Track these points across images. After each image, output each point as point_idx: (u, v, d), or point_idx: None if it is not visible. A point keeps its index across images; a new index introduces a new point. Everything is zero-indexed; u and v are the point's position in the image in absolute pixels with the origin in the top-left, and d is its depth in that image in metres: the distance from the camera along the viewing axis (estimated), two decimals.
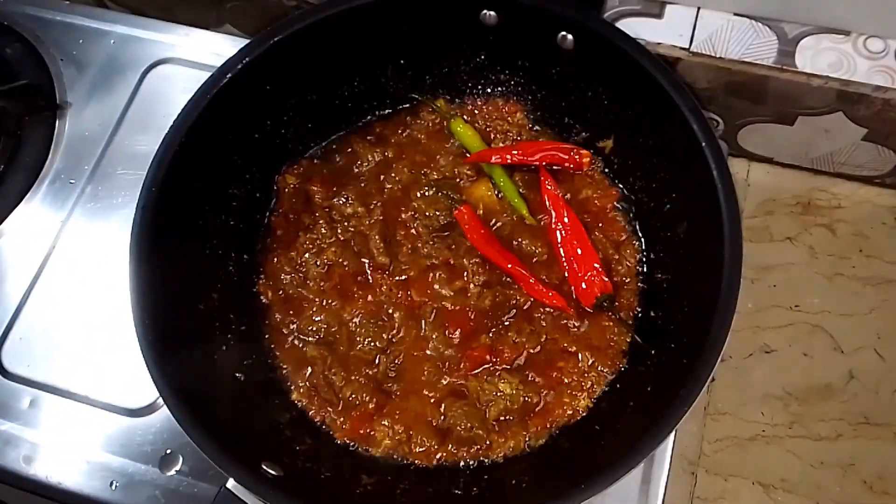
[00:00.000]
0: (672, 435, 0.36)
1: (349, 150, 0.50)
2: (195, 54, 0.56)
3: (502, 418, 0.43)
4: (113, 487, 0.45)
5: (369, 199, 0.49)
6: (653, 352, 0.43)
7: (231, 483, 0.38)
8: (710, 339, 0.36)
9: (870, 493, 0.45)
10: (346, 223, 0.48)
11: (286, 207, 0.49)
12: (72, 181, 0.54)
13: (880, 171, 0.52)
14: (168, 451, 0.45)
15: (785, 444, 0.47)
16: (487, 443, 0.42)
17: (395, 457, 0.43)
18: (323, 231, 0.48)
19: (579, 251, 0.45)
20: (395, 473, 0.42)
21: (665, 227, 0.45)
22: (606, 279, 0.44)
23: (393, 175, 0.49)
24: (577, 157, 0.47)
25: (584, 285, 0.44)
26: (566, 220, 0.45)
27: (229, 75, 0.43)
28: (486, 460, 0.42)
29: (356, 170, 0.50)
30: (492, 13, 0.45)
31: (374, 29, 0.46)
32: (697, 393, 0.36)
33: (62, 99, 0.56)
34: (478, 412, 0.43)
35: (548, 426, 0.43)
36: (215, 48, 0.55)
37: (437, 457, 0.42)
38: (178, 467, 0.45)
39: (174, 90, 0.54)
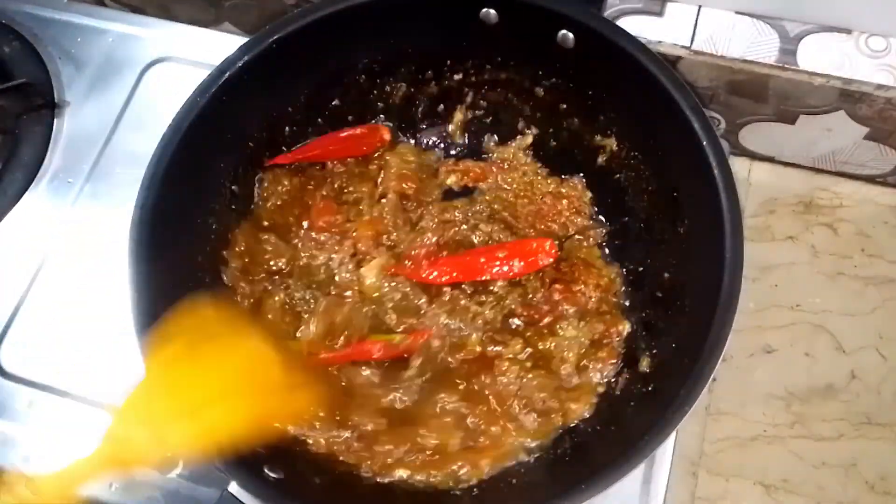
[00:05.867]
0: (673, 435, 0.36)
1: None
2: (194, 53, 0.56)
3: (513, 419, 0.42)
4: (112, 489, 0.44)
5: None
6: (654, 351, 0.42)
7: (233, 487, 0.37)
8: (711, 338, 0.36)
9: (872, 494, 0.45)
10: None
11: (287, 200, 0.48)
12: (70, 180, 0.53)
13: (882, 170, 0.51)
14: (168, 453, 0.45)
15: (786, 445, 0.47)
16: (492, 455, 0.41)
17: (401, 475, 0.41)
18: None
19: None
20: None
21: (666, 226, 0.45)
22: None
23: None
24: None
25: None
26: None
27: (228, 73, 0.43)
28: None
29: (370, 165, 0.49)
30: (492, 11, 0.45)
31: (373, 27, 0.46)
32: (699, 393, 0.35)
33: (60, 98, 0.55)
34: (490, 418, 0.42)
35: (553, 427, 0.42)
36: (214, 46, 0.55)
37: (442, 475, 0.41)
38: (178, 470, 0.44)
39: (173, 89, 0.54)
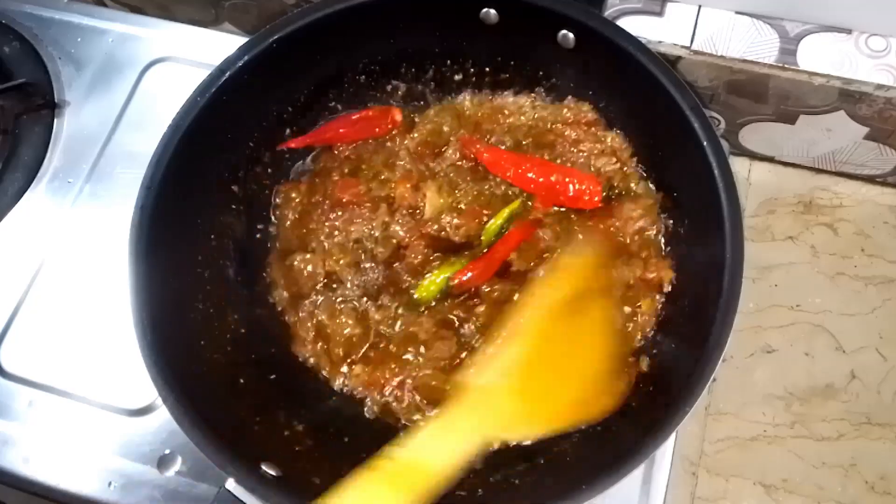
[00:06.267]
0: (673, 435, 0.36)
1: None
2: (194, 53, 0.56)
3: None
4: (111, 488, 0.44)
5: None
6: (654, 351, 0.42)
7: (230, 483, 0.38)
8: (711, 339, 0.36)
9: (872, 494, 0.45)
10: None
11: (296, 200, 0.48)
12: (70, 180, 0.53)
13: (882, 170, 0.51)
14: (167, 452, 0.45)
15: (786, 445, 0.47)
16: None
17: None
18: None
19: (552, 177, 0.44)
20: None
21: (666, 226, 0.45)
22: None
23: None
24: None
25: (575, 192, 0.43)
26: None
27: (228, 73, 0.43)
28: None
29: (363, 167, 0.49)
30: (492, 11, 0.45)
31: (374, 27, 0.46)
32: (699, 393, 0.35)
33: (60, 98, 0.56)
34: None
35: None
36: (214, 47, 0.55)
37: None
38: (176, 468, 0.44)
39: (173, 89, 0.54)
